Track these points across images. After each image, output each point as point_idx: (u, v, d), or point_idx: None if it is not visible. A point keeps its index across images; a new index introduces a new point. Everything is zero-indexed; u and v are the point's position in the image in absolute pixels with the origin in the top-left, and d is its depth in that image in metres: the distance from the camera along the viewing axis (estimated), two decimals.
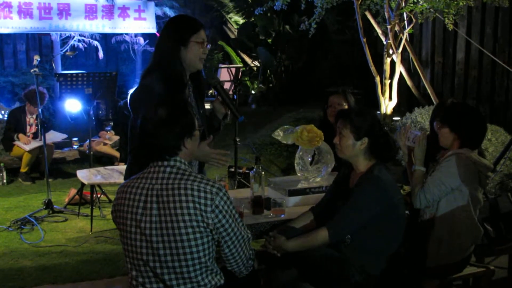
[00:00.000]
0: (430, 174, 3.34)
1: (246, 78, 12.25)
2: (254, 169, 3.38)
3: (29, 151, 7.29)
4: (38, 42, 12.14)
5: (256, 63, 12.65)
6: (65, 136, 7.98)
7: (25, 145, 7.33)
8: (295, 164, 3.76)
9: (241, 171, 6.23)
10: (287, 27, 12.28)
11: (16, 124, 7.53)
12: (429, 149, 3.42)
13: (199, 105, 3.15)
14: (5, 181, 7.32)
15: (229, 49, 12.62)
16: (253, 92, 12.41)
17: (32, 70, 6.01)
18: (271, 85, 12.38)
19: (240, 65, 11.74)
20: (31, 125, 7.63)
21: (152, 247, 2.34)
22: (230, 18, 13.24)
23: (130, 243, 2.40)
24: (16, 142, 7.39)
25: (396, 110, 8.34)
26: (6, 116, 8.05)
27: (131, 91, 7.90)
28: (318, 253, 2.97)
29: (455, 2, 7.18)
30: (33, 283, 4.36)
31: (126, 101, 7.77)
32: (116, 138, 7.88)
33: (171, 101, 2.47)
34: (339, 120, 3.08)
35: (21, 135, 7.42)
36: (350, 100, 4.57)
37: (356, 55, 10.93)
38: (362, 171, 3.05)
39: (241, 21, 13.13)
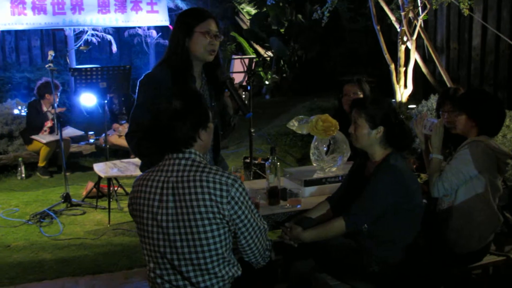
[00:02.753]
0: (448, 162, 3.31)
1: (259, 69, 12.22)
2: (270, 160, 3.38)
3: (46, 144, 7.34)
4: (52, 37, 12.23)
5: (269, 53, 12.61)
6: (81, 132, 8.04)
7: (43, 138, 7.39)
8: (311, 154, 3.75)
9: (256, 161, 6.24)
10: (300, 16, 12.22)
11: (36, 114, 7.59)
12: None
13: (212, 99, 3.14)
14: (23, 175, 7.41)
15: (241, 40, 12.60)
16: (266, 82, 12.39)
17: (47, 66, 6.05)
18: (284, 75, 12.35)
19: (253, 55, 11.71)
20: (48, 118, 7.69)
21: (169, 239, 2.35)
22: (242, 8, 13.20)
23: (147, 236, 2.41)
24: (34, 136, 7.45)
25: (412, 98, 8.26)
26: (23, 111, 8.11)
27: None
28: (335, 243, 2.97)
29: None
30: (53, 275, 4.41)
31: None
32: None
33: (184, 92, 2.46)
34: (354, 109, 3.06)
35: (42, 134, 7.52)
36: (365, 89, 4.54)
37: (369, 43, 10.85)
38: (378, 160, 3.04)
39: (253, 11, 13.09)
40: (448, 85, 7.77)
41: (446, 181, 3.21)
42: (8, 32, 11.25)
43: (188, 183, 2.33)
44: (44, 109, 7.65)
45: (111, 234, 5.25)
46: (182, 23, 3.01)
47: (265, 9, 12.61)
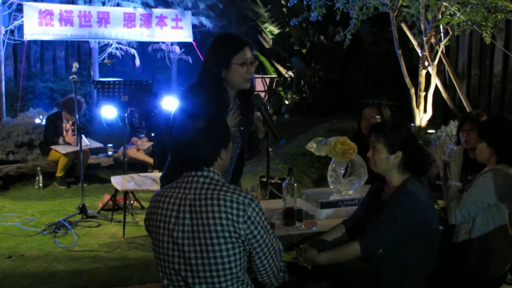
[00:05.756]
0: (466, 189, 3.28)
1: (280, 88, 12.27)
2: (287, 181, 3.37)
3: (65, 155, 7.42)
4: (77, 49, 12.43)
5: (290, 73, 12.66)
6: (100, 145, 8.10)
7: (62, 148, 7.47)
8: (328, 176, 3.73)
9: (273, 181, 6.23)
10: (322, 37, 12.27)
11: (54, 129, 7.69)
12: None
13: (241, 122, 3.10)
14: (41, 185, 7.47)
15: (263, 59, 12.67)
16: (286, 102, 12.42)
17: (71, 77, 6.10)
18: (304, 95, 12.37)
19: (274, 75, 11.77)
20: (67, 131, 7.78)
21: (184, 256, 2.35)
22: (265, 28, 13.29)
23: (162, 252, 2.42)
24: (54, 146, 7.54)
25: (431, 123, 8.23)
26: (45, 121, 8.23)
27: (165, 98, 7.99)
28: (350, 266, 2.95)
29: (493, 15, 7.07)
30: (65, 286, 4.42)
31: (160, 109, 7.85)
32: (148, 144, 7.96)
33: (206, 112, 2.48)
34: (373, 134, 3.05)
35: (66, 137, 7.60)
36: (385, 113, 4.52)
37: (390, 66, 10.85)
38: (395, 185, 3.02)
39: (276, 31, 13.17)
40: (468, 111, 7.73)
41: (464, 209, 3.19)
42: (34, 42, 11.45)
43: (206, 201, 2.34)
44: (65, 121, 7.73)
45: (125, 248, 5.26)
46: (219, 53, 2.99)
47: (288, 29, 12.69)
